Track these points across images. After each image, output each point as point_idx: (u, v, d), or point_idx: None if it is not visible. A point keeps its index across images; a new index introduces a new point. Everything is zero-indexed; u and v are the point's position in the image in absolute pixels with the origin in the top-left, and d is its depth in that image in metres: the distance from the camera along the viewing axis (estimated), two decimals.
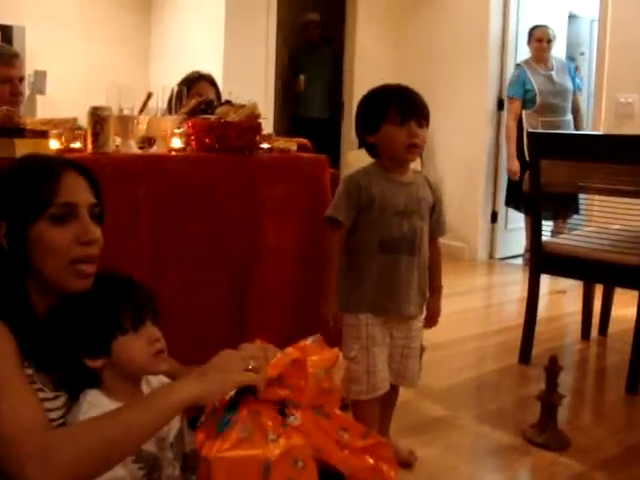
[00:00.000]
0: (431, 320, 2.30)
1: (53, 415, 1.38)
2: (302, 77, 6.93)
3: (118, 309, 1.44)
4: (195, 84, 3.47)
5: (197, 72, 3.64)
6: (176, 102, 2.66)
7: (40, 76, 5.63)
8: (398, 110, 2.09)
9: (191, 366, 1.58)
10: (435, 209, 2.25)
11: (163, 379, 1.57)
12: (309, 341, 1.51)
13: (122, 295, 1.47)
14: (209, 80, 3.62)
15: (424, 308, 2.28)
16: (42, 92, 5.60)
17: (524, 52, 6.01)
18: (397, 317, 2.19)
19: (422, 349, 2.27)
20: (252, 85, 5.55)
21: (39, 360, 1.38)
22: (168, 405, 1.32)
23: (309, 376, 1.44)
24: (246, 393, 1.41)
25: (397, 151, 2.11)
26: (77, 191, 1.42)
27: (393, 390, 2.27)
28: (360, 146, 2.24)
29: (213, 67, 5.49)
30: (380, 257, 2.14)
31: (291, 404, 1.44)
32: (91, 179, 1.47)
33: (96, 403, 1.41)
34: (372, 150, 2.20)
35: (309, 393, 1.45)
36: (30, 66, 5.05)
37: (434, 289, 2.30)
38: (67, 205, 1.39)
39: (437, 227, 2.27)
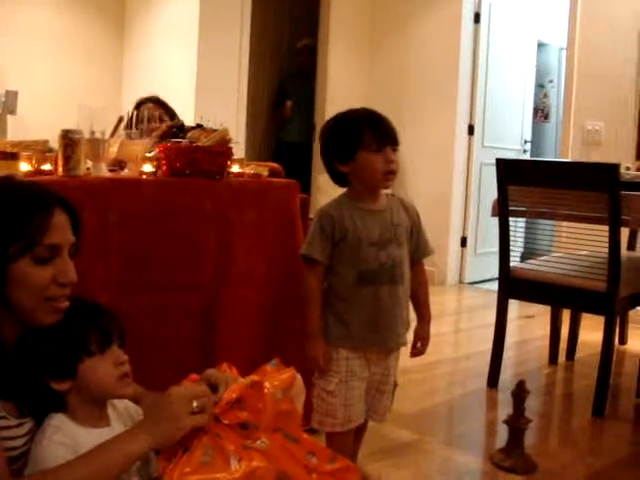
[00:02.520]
0: (422, 347, 2.20)
1: (16, 443, 1.37)
2: (289, 102, 6.97)
3: (84, 332, 1.44)
4: (142, 106, 3.71)
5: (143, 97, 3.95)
6: (128, 125, 2.76)
7: (11, 96, 5.57)
8: (374, 136, 1.98)
9: (153, 392, 1.58)
10: (414, 230, 2.13)
11: (129, 404, 1.57)
12: (269, 366, 1.52)
13: (88, 318, 1.47)
14: (154, 101, 3.84)
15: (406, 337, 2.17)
16: (13, 112, 5.54)
17: (494, 78, 6.10)
18: (377, 351, 2.10)
19: (395, 385, 2.22)
20: (225, 104, 5.60)
21: (3, 389, 1.37)
22: (123, 458, 1.36)
23: (266, 397, 1.45)
24: None
25: (374, 178, 2.01)
26: (63, 231, 1.41)
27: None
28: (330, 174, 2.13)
29: (186, 86, 5.54)
30: (360, 290, 2.03)
31: (252, 426, 1.44)
32: (74, 216, 1.46)
33: (61, 427, 1.41)
34: (341, 179, 2.09)
35: (267, 414, 1.45)
36: (1, 86, 5.01)
37: (422, 315, 2.19)
38: (52, 247, 1.38)
39: (419, 248, 2.16)
